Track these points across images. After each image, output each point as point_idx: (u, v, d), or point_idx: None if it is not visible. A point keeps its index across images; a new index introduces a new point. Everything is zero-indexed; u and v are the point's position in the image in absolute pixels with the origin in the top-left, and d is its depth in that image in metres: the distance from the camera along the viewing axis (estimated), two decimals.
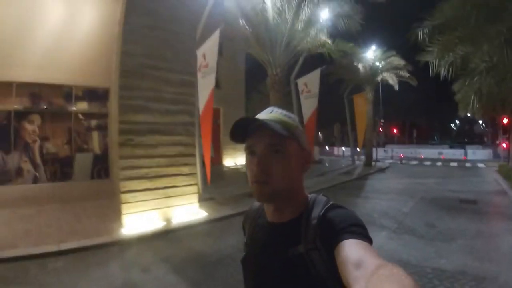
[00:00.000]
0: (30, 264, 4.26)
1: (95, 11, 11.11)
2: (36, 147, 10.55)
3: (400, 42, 14.88)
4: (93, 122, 11.49)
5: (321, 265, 0.72)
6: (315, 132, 14.23)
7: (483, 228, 5.85)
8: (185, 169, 6.14)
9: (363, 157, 19.42)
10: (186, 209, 6.12)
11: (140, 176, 5.53)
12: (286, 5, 8.29)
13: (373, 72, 16.45)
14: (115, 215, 6.06)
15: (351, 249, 0.63)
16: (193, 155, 6.32)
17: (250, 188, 0.82)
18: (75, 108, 10.93)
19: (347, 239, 0.66)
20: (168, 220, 5.77)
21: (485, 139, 35.94)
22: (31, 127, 10.42)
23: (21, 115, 9.96)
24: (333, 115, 15.63)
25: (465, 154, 24.41)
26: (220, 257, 4.47)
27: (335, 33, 11.10)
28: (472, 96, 9.18)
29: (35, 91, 10.32)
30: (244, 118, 0.80)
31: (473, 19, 6.13)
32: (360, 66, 15.97)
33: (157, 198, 5.76)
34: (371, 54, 15.03)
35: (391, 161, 22.96)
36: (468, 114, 16.26)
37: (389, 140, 31.67)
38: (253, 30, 8.70)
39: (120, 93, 5.40)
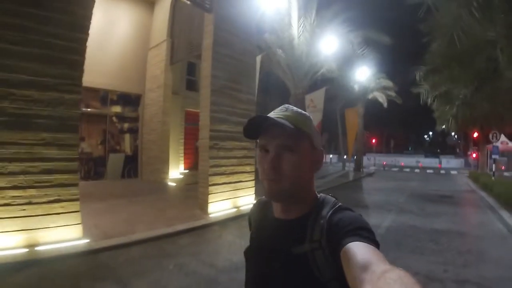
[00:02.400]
0: (160, 243, 5.30)
1: (130, 24, 13.07)
2: None
3: (387, 66, 18.25)
4: (126, 125, 13.39)
5: (325, 265, 0.76)
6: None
7: (459, 211, 8.86)
8: (248, 168, 8.57)
9: (350, 164, 22.53)
10: (246, 199, 8.44)
11: (221, 172, 7.76)
12: (313, 41, 11.17)
13: (365, 90, 19.50)
14: (185, 205, 7.98)
15: (358, 252, 0.65)
16: (253, 157, 8.77)
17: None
18: (110, 111, 12.76)
19: (354, 241, 0.68)
20: (237, 207, 7.98)
21: (457, 150, 40.62)
22: None
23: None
24: (322, 126, 18.48)
25: (440, 163, 28.22)
26: None
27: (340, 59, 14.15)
28: (450, 119, 12.66)
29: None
30: (258, 116, 0.84)
31: (453, 67, 9.26)
32: (355, 86, 18.91)
33: (230, 190, 8.00)
34: (365, 76, 18.11)
35: (374, 167, 26.26)
36: (443, 127, 19.77)
37: (368, 149, 35.26)
38: (285, 57, 11.41)
39: (211, 107, 7.60)
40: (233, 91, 8.24)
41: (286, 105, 0.91)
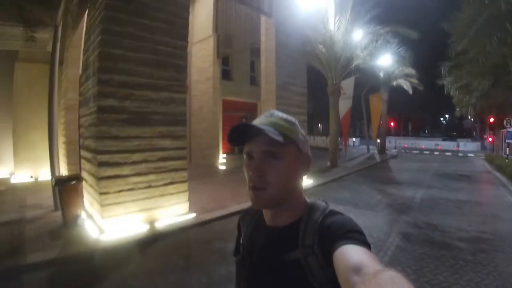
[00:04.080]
0: None
1: None
2: None
3: (410, 55, 20.09)
4: None
5: (318, 271, 0.80)
6: (349, 127, 19.10)
7: (476, 187, 10.99)
8: None
9: (373, 147, 24.71)
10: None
11: None
12: (348, 36, 13.24)
13: (389, 77, 21.36)
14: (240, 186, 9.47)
15: (350, 254, 0.69)
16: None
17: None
18: None
19: (346, 244, 0.72)
20: None
21: (474, 133, 42.61)
22: None
23: None
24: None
25: (458, 146, 30.24)
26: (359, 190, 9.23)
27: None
28: (470, 107, 15.06)
29: None
30: (241, 124, 0.87)
31: (473, 64, 11.55)
32: (381, 73, 20.75)
33: None
34: (389, 64, 19.91)
35: (395, 150, 28.26)
36: (461, 112, 21.79)
37: (387, 132, 37.43)
38: (325, 52, 13.44)
39: (277, 100, 9.59)
40: (290, 86, 10.13)
41: (272, 111, 0.96)
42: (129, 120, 5.59)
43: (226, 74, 16.55)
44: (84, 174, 6.40)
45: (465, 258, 4.74)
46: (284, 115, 0.95)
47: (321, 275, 0.79)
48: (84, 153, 6.48)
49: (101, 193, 5.34)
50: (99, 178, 5.33)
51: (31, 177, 10.96)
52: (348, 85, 16.89)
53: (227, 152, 16.50)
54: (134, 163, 5.65)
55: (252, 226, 1.06)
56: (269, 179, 0.86)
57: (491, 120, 21.65)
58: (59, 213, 6.28)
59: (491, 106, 15.32)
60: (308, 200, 0.97)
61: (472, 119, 30.59)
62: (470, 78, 13.14)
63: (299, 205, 0.93)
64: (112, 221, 5.42)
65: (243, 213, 1.16)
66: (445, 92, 15.34)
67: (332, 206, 0.94)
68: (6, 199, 7.97)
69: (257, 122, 0.92)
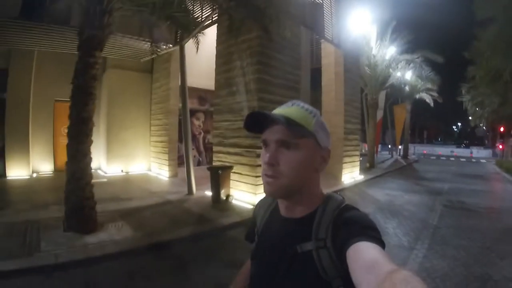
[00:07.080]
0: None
1: None
2: (200, 138, 15.47)
3: (434, 73, 24.35)
4: None
5: (328, 264, 0.84)
6: (380, 135, 23.23)
7: (488, 183, 15.15)
8: (357, 152, 14.33)
9: (395, 152, 28.84)
10: (354, 174, 14.04)
11: (346, 155, 13.35)
12: (392, 63, 17.54)
13: (413, 91, 25.25)
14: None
15: (364, 252, 0.72)
16: (358, 147, 14.74)
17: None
18: None
19: (360, 241, 0.75)
20: (353, 178, 13.60)
21: (486, 141, 46.93)
22: (198, 122, 15.32)
23: (191, 113, 12.94)
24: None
25: (471, 152, 34.55)
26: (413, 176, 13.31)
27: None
28: (483, 120, 19.64)
29: (202, 95, 15.00)
30: (257, 111, 0.90)
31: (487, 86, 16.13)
32: (406, 87, 24.68)
33: (349, 167, 13.53)
34: (414, 79, 23.87)
35: (414, 156, 32.04)
36: (476, 122, 26.25)
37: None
38: (369, 73, 17.66)
39: (345, 113, 12.89)
40: (352, 102, 13.57)
41: (294, 101, 1.00)
42: None
43: None
44: (228, 164, 8.50)
45: (483, 215, 8.65)
46: (306, 105, 0.97)
47: (331, 270, 0.83)
48: (226, 148, 8.75)
49: (256, 176, 7.64)
50: (256, 166, 7.72)
51: (122, 171, 12.66)
52: (380, 98, 20.79)
53: None
54: None
55: (268, 215, 1.11)
56: (281, 169, 0.90)
57: (502, 129, 25.87)
58: (195, 196, 8.61)
59: (501, 117, 20.20)
60: (324, 193, 1.00)
61: (484, 128, 35.07)
62: (484, 97, 17.81)
63: (314, 198, 0.98)
64: (259, 196, 7.32)
65: (260, 201, 1.21)
66: (463, 107, 20.23)
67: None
68: (125, 188, 9.81)
69: (277, 111, 0.97)
